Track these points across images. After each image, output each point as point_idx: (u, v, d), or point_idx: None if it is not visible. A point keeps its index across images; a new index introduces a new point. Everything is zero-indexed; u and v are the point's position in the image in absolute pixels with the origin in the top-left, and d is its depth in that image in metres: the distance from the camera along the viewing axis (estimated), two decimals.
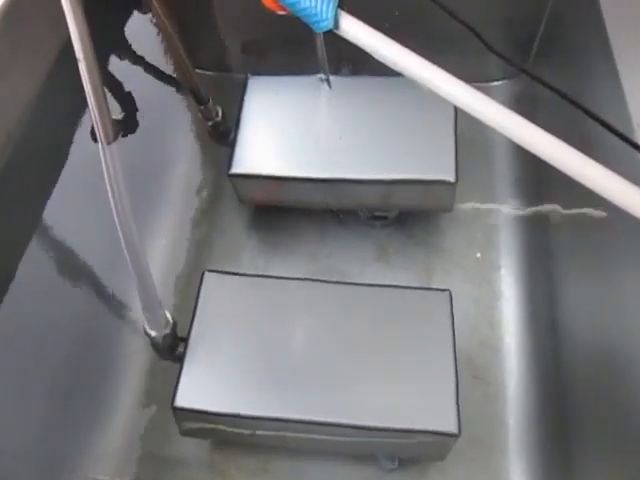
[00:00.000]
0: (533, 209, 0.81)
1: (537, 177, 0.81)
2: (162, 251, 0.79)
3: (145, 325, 0.60)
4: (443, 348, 0.63)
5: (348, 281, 0.76)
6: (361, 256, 0.80)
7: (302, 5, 0.40)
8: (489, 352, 0.74)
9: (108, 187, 0.51)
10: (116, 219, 0.52)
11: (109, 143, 0.50)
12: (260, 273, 0.79)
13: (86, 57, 0.48)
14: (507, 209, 0.82)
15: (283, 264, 0.80)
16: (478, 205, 0.82)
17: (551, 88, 0.61)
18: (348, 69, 0.81)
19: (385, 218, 0.80)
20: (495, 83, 0.89)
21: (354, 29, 0.39)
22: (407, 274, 0.79)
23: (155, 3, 0.68)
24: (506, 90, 0.89)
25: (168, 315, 0.61)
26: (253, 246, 0.81)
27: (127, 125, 0.69)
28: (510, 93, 0.88)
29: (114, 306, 0.69)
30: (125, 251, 0.53)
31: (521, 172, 0.84)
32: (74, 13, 0.47)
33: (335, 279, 0.77)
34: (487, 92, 0.36)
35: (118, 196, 0.51)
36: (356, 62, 0.78)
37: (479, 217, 0.82)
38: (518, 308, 0.76)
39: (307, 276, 0.78)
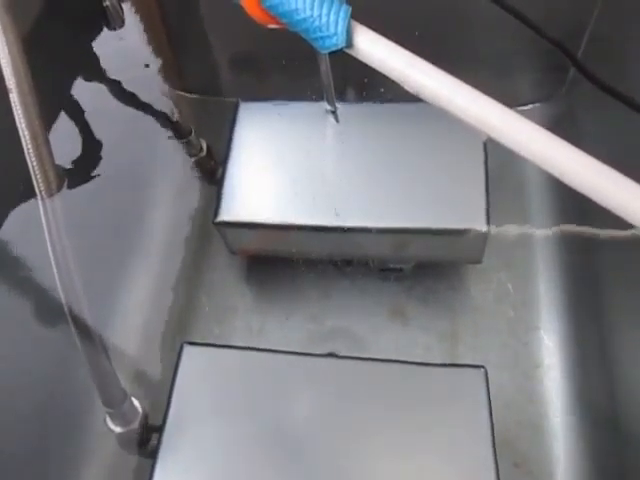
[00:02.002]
0: (577, 252, 0.69)
1: (579, 217, 0.69)
2: (139, 312, 0.67)
3: (107, 420, 0.48)
4: (479, 438, 0.51)
5: (359, 348, 0.66)
6: (373, 316, 0.68)
7: (301, 15, 0.29)
8: (530, 433, 0.61)
9: (49, 249, 0.39)
10: (59, 288, 0.40)
11: (51, 195, 0.39)
12: (254, 336, 0.67)
13: (20, 86, 0.37)
14: (544, 256, 0.70)
15: (281, 326, 0.68)
16: (509, 252, 0.70)
17: (604, 88, 0.49)
18: (356, 93, 0.69)
19: (400, 270, 0.68)
20: (526, 107, 0.78)
21: (374, 48, 0.27)
22: (428, 338, 0.66)
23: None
24: (539, 114, 0.77)
25: (137, 405, 0.49)
26: (246, 305, 0.69)
27: (93, 165, 0.58)
28: (544, 118, 0.77)
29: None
30: (73, 330, 0.42)
31: (559, 212, 0.72)
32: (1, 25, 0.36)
33: (343, 346, 0.66)
34: None
35: (62, 260, 0.40)
36: (366, 84, 0.67)
37: (510, 266, 0.70)
38: (563, 378, 0.63)
39: (309, 341, 0.67)
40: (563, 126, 0.74)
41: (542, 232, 0.71)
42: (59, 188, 0.39)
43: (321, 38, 0.29)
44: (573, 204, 0.70)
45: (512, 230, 0.70)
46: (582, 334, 0.65)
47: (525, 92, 0.79)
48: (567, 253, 0.69)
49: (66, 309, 0.41)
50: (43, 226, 0.39)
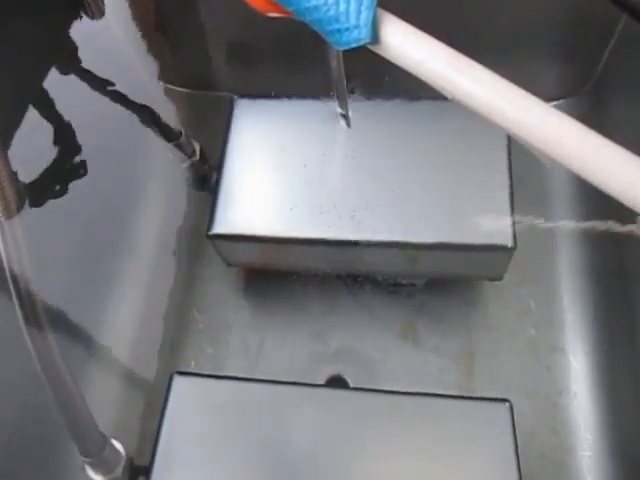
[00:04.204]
0: (605, 266, 0.63)
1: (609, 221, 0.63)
2: (126, 331, 0.61)
3: (87, 470, 0.42)
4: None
5: (367, 370, 0.60)
6: (382, 335, 0.62)
7: (312, 2, 0.22)
8: (555, 469, 0.55)
9: (8, 277, 0.33)
10: (21, 322, 0.35)
11: (10, 217, 0.33)
12: (252, 357, 0.62)
13: None
14: (569, 270, 0.64)
15: (282, 346, 0.62)
16: (531, 265, 0.64)
17: None
18: (365, 90, 0.62)
19: (412, 285, 0.62)
20: (548, 104, 0.71)
21: (408, 45, 0.21)
22: (442, 359, 0.61)
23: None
24: (564, 111, 0.70)
25: (119, 448, 0.44)
26: (244, 321, 0.63)
27: (72, 172, 0.51)
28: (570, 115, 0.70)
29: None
30: (40, 372, 0.36)
31: (586, 220, 0.66)
32: None
33: (350, 367, 0.60)
34: None
35: (24, 288, 0.34)
36: (377, 79, 0.60)
37: (532, 280, 0.64)
38: (591, 406, 0.57)
39: (313, 362, 0.61)
40: (588, 125, 0.68)
41: (567, 243, 0.65)
42: (19, 208, 0.33)
43: (338, 31, 0.22)
44: (601, 212, 0.64)
45: (534, 241, 0.64)
46: (613, 356, 0.59)
47: (547, 87, 0.72)
48: (594, 266, 0.63)
49: (31, 348, 0.35)
50: (2, 253, 0.33)
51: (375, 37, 0.22)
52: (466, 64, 0.20)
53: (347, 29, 0.22)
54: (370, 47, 0.22)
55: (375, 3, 0.22)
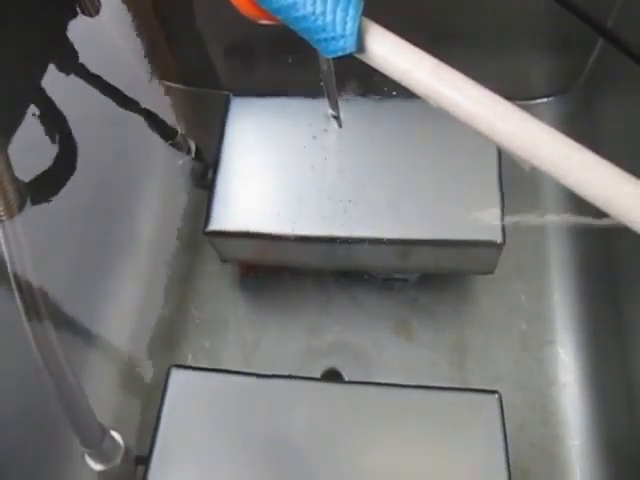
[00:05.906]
0: (595, 260, 0.64)
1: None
2: (124, 326, 0.62)
3: (87, 459, 0.43)
4: (493, 469, 0.47)
5: (361, 364, 0.61)
6: (376, 329, 0.63)
7: (300, 12, 0.23)
8: (545, 459, 0.57)
9: (11, 276, 0.34)
10: (23, 317, 0.36)
11: (11, 217, 0.34)
12: (249, 351, 0.63)
13: None
14: (559, 265, 0.65)
15: (278, 341, 0.63)
16: (522, 260, 0.65)
17: None
18: (358, 87, 0.63)
19: (405, 280, 0.64)
20: (537, 101, 0.72)
21: (393, 55, 0.22)
22: (434, 353, 0.62)
23: None
24: (552, 110, 0.71)
25: (118, 438, 0.45)
26: (240, 317, 0.65)
27: (68, 171, 0.52)
28: (557, 114, 0.71)
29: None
30: (42, 367, 0.37)
31: (579, 215, 0.67)
32: None
33: (345, 361, 0.62)
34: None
35: (25, 286, 0.35)
36: (368, 78, 0.60)
37: (523, 275, 0.65)
38: (580, 397, 0.59)
39: (308, 357, 0.62)
40: (579, 124, 0.69)
41: (558, 239, 0.66)
42: (20, 208, 0.34)
43: (325, 40, 0.23)
44: (592, 209, 0.65)
45: (526, 236, 0.66)
46: (601, 349, 0.60)
47: (536, 83, 0.73)
48: (584, 261, 0.64)
49: (33, 343, 0.36)
50: (4, 253, 0.34)
51: (361, 46, 0.23)
52: (449, 73, 0.21)
53: (333, 38, 0.23)
54: (356, 55, 0.23)
55: (360, 14, 0.23)
